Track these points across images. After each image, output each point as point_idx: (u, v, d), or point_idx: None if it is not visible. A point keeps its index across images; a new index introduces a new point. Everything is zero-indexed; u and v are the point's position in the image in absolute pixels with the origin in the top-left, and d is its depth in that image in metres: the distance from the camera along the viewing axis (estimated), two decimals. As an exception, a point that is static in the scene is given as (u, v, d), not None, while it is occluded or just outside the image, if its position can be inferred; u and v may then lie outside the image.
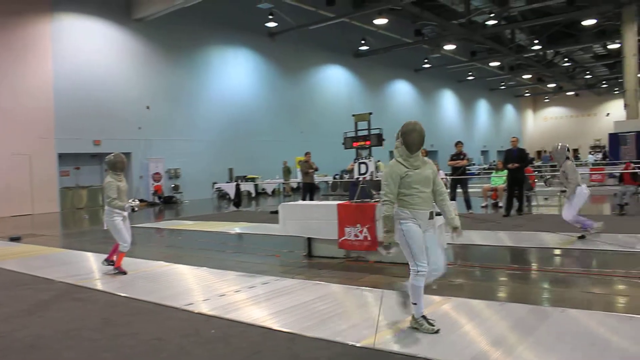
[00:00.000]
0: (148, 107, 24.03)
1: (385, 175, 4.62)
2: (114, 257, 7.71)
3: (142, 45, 24.15)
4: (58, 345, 4.64)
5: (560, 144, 9.16)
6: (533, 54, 38.94)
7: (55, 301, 6.29)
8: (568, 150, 9.00)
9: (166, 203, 23.58)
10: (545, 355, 3.89)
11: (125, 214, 7.63)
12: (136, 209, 7.77)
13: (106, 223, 7.60)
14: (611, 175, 22.07)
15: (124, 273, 7.54)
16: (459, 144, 14.59)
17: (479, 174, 30.01)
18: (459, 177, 14.10)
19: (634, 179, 13.03)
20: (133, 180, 23.54)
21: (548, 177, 23.10)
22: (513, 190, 13.13)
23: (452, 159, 14.22)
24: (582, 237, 8.91)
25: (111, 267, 7.69)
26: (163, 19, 23.65)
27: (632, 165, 14.95)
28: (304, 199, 15.68)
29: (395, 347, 4.20)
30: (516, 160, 13.04)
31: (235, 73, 28.20)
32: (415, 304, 4.53)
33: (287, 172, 24.88)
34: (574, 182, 8.76)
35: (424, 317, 4.57)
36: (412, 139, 4.55)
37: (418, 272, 4.47)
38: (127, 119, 23.30)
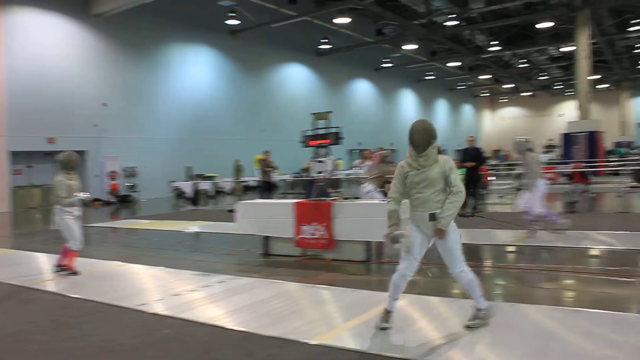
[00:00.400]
0: (105, 104, 23.52)
1: (395, 173, 4.65)
2: (65, 262, 7.47)
3: (101, 42, 23.63)
4: (4, 348, 4.51)
5: (519, 137, 9.36)
6: (491, 54, 39.70)
7: (2, 304, 6.11)
8: (528, 142, 9.19)
9: (122, 202, 23.15)
10: (494, 348, 4.00)
11: (77, 213, 7.44)
12: (87, 201, 7.59)
13: (57, 222, 7.41)
14: (563, 174, 22.69)
15: (76, 273, 7.36)
16: None
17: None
18: None
19: (583, 177, 13.43)
20: (89, 179, 23.00)
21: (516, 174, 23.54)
22: (469, 189, 13.31)
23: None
24: (530, 234, 9.14)
25: (64, 272, 7.44)
26: (122, 15, 23.20)
27: (582, 164, 15.42)
28: (262, 198, 15.63)
29: (349, 344, 4.23)
30: (473, 159, 13.23)
31: (195, 71, 27.88)
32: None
33: (238, 170, 24.51)
34: (536, 174, 8.96)
35: (386, 311, 4.57)
36: (414, 139, 4.43)
37: (397, 269, 4.56)
38: (83, 116, 22.74)
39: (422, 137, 4.40)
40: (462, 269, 4.46)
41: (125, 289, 6.49)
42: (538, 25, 30.82)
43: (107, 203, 22.75)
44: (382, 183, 9.70)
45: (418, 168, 4.44)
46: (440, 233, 4.37)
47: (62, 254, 7.49)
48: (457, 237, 4.45)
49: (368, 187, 9.75)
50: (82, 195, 7.45)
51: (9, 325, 5.18)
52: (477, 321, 4.47)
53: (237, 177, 23.34)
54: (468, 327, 4.45)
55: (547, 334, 4.27)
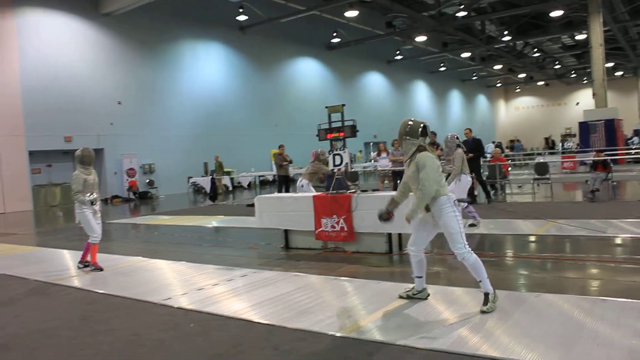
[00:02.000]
0: (119, 103, 23.71)
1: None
2: (88, 258, 7.61)
3: (112, 40, 23.78)
4: (33, 345, 4.57)
5: (450, 134, 9.95)
6: (503, 44, 39.36)
7: (30, 300, 6.20)
8: (458, 139, 9.81)
9: (141, 198, 23.35)
10: (521, 339, 3.96)
11: (96, 207, 7.57)
12: (94, 202, 7.52)
13: (77, 216, 7.53)
14: (582, 163, 22.46)
15: (100, 269, 7.45)
16: (431, 133, 14.68)
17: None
18: None
19: (604, 166, 13.29)
20: (107, 177, 23.25)
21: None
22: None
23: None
24: (472, 225, 9.39)
25: (88, 268, 7.57)
26: (132, 13, 23.33)
27: (602, 153, 15.26)
28: (279, 192, 15.66)
29: (374, 336, 4.24)
30: (471, 151, 13.31)
31: (206, 67, 27.97)
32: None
33: (219, 168, 23.58)
34: (458, 169, 9.49)
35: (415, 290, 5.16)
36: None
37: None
38: (99, 114, 22.95)
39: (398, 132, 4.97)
40: (462, 252, 4.73)
41: (149, 284, 6.55)
42: (550, 14, 30.51)
43: (126, 200, 22.95)
44: (315, 178, 11.14)
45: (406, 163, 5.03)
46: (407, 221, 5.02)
47: (85, 250, 7.60)
48: (453, 222, 4.79)
49: (302, 181, 10.82)
50: (91, 197, 7.45)
51: (38, 321, 5.25)
52: (489, 305, 4.64)
53: (218, 174, 22.83)
54: (483, 312, 4.61)
55: (574, 324, 4.23)
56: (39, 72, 21.04)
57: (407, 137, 4.89)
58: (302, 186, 10.70)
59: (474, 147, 13.30)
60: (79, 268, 7.65)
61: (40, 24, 21.34)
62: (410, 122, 4.93)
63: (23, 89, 20.60)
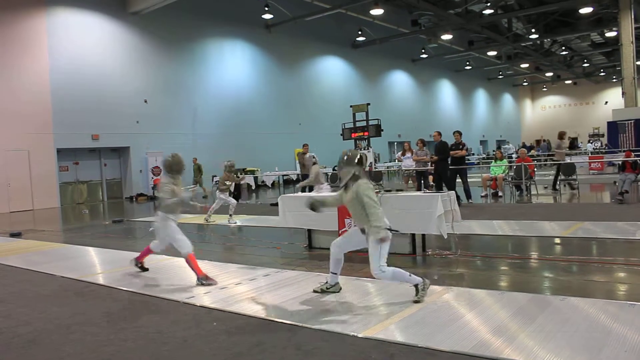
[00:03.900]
0: (146, 101, 23.98)
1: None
2: (144, 260, 7.29)
3: (139, 39, 24.07)
4: (60, 340, 4.64)
5: (308, 154, 12.01)
6: (530, 42, 38.86)
7: (57, 296, 6.30)
8: (314, 157, 12.05)
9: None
10: (546, 343, 3.90)
11: (173, 217, 6.84)
12: (192, 194, 7.09)
13: (158, 229, 6.85)
14: (610, 164, 22.06)
15: (214, 283, 6.45)
16: (456, 133, 14.59)
17: (478, 163, 30.01)
18: (458, 167, 14.13)
19: (634, 167, 13.02)
20: (132, 175, 23.56)
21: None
22: (441, 183, 13.40)
23: (451, 149, 14.22)
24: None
25: (139, 269, 7.27)
26: (159, 12, 23.58)
27: (632, 153, 14.96)
28: (303, 191, 15.67)
29: (397, 337, 4.21)
30: (436, 154, 13.63)
31: (232, 65, 28.13)
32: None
33: (197, 170, 22.53)
34: (319, 181, 11.64)
35: None
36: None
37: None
38: (125, 113, 23.25)
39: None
40: (377, 272, 5.14)
41: (173, 282, 6.62)
42: (579, 11, 30.02)
43: (151, 198, 23.20)
44: (224, 187, 12.83)
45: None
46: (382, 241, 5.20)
47: (145, 251, 7.24)
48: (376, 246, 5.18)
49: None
50: (190, 190, 7.05)
51: (64, 317, 5.34)
52: (421, 293, 5.14)
53: (197, 177, 22.18)
54: (416, 302, 5.07)
55: (601, 329, 4.15)
56: (67, 70, 21.40)
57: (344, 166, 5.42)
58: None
59: (439, 150, 13.63)
60: (132, 264, 7.33)
61: (70, 23, 21.71)
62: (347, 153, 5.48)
63: (52, 87, 20.97)
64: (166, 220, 6.69)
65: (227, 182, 12.98)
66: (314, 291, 5.69)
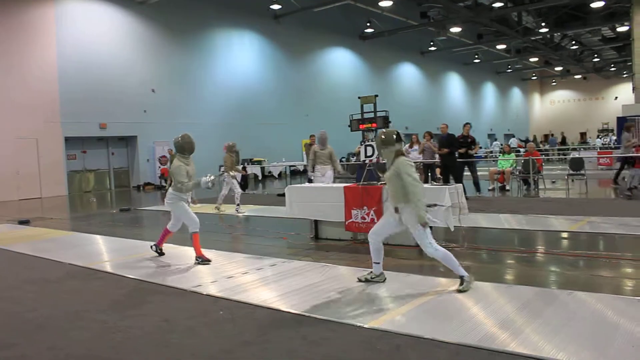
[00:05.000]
0: (153, 90, 23.99)
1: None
2: (162, 245, 7.59)
3: (147, 28, 24.05)
4: (67, 326, 4.68)
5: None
6: (540, 36, 38.53)
7: (65, 283, 6.35)
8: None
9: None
10: (552, 337, 3.89)
11: (188, 198, 7.43)
12: (210, 185, 7.19)
13: (171, 207, 7.24)
14: (619, 159, 21.92)
15: (209, 261, 6.98)
16: (467, 125, 14.49)
17: (485, 157, 29.92)
18: (467, 160, 14.09)
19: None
20: (140, 164, 23.63)
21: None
22: (448, 175, 13.23)
23: (459, 142, 14.06)
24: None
25: (156, 254, 7.54)
26: (167, 1, 23.57)
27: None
28: (309, 182, 15.67)
29: (403, 328, 4.21)
30: (446, 146, 13.37)
31: (240, 56, 28.08)
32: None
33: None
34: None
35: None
36: None
37: None
38: (133, 102, 23.28)
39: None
40: (430, 250, 5.20)
41: (179, 271, 6.65)
42: (591, 5, 29.75)
43: (158, 187, 23.27)
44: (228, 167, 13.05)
45: None
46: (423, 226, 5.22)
47: (163, 235, 7.56)
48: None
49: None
50: (210, 178, 7.15)
51: (72, 304, 5.38)
52: (466, 285, 5.12)
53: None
54: (460, 291, 5.08)
55: (608, 324, 4.14)
56: (75, 59, 21.41)
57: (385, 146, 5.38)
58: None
59: (447, 142, 13.46)
60: (152, 250, 7.60)
61: (77, 13, 21.70)
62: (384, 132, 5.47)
63: (60, 76, 21.00)
64: (178, 200, 7.13)
65: (227, 163, 13.14)
66: (359, 280, 5.64)
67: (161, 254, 7.57)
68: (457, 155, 13.64)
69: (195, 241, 7.06)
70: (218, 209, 12.98)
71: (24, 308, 5.30)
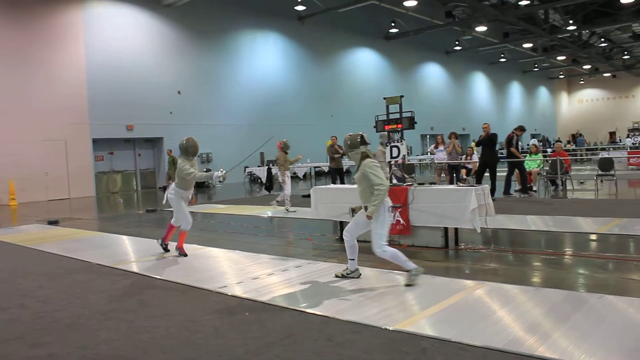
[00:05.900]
0: (179, 92, 24.24)
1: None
2: (168, 241, 7.96)
3: (173, 31, 24.32)
4: (96, 326, 4.74)
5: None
6: (568, 34, 37.90)
7: (93, 283, 6.44)
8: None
9: (198, 187, 23.81)
10: (581, 342, 3.82)
11: (188, 196, 7.75)
12: (222, 179, 7.20)
13: (171, 202, 7.63)
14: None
15: (185, 255, 7.63)
16: (519, 129, 14.69)
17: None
18: (514, 159, 14.37)
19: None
20: (165, 165, 23.84)
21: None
22: (483, 172, 13.56)
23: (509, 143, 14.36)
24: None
25: (163, 249, 7.93)
26: (192, 4, 23.78)
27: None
28: (333, 183, 15.66)
29: (428, 331, 4.18)
30: (489, 145, 13.61)
31: (265, 57, 28.20)
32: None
33: (172, 163, 20.45)
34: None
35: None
36: None
37: None
38: (159, 104, 23.56)
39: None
40: (379, 250, 5.58)
41: (205, 272, 6.69)
42: (620, 1, 29.18)
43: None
44: (281, 166, 12.95)
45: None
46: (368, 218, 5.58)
47: (168, 230, 7.93)
48: (382, 224, 5.60)
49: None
50: (221, 173, 7.20)
51: (99, 304, 5.45)
52: (412, 277, 5.48)
53: (170, 170, 20.39)
54: (407, 285, 5.46)
55: (639, 329, 4.06)
56: (103, 62, 21.75)
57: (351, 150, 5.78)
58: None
59: (491, 141, 13.66)
60: (158, 244, 8.06)
61: (105, 16, 22.05)
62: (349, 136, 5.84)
63: (88, 79, 21.36)
64: (179, 196, 7.52)
65: (281, 161, 13.09)
66: (336, 276, 6.00)
67: (166, 250, 7.91)
68: (497, 155, 13.84)
69: (181, 237, 7.68)
70: (287, 210, 12.81)
71: (54, 307, 5.39)
